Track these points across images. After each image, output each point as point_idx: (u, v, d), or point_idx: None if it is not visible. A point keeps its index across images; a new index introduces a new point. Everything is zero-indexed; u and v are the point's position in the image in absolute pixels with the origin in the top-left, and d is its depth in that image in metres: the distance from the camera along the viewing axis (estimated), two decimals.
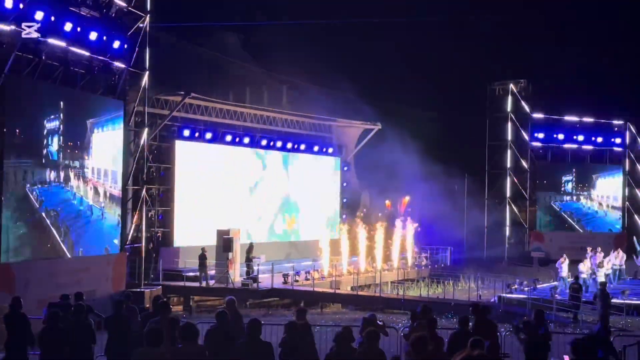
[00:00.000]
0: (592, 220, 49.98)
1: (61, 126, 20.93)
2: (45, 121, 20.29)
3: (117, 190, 25.31)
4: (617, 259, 34.97)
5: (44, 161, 20.55)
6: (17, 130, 19.16)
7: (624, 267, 35.46)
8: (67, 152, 21.90)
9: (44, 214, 20.47)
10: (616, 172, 50.51)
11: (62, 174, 21.85)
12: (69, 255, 22.69)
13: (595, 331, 12.41)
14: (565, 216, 49.53)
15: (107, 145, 24.19)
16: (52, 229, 20.78)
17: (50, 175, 20.80)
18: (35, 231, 19.98)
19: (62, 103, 21.67)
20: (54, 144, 20.89)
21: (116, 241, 25.38)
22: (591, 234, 47.04)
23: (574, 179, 49.91)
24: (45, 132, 20.30)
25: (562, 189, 49.91)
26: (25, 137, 19.32)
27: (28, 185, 19.56)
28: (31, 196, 19.66)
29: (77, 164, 22.75)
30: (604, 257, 34.06)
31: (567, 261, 32.55)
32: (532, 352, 12.47)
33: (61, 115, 21.23)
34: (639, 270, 37.53)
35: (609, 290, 26.06)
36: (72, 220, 22.37)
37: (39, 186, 20.13)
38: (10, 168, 18.95)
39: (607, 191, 50.40)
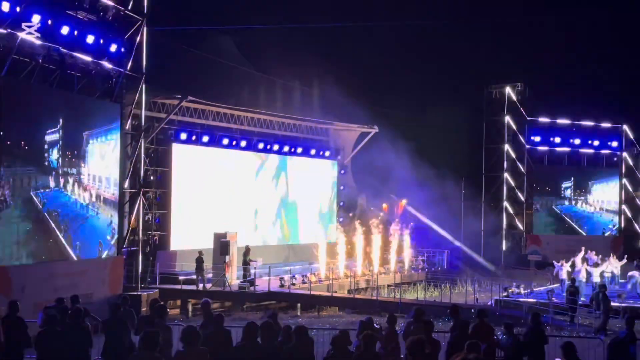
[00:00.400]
0: (588, 222, 50.25)
1: (60, 138, 22.96)
2: (45, 134, 22.39)
3: (110, 194, 26.41)
4: (616, 261, 34.88)
5: (45, 169, 22.56)
6: (22, 142, 21.47)
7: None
8: (65, 161, 23.66)
9: (46, 214, 22.47)
10: (612, 177, 50.66)
11: (61, 180, 23.62)
12: (68, 249, 23.95)
13: (621, 336, 12.35)
14: (566, 218, 49.81)
15: (101, 154, 25.71)
16: (54, 226, 22.70)
17: (51, 181, 22.78)
18: (40, 228, 22.12)
19: (61, 119, 23.54)
20: (54, 154, 22.81)
21: (108, 237, 26.22)
22: (588, 238, 47.13)
23: (572, 186, 50.17)
24: (46, 144, 22.34)
25: (562, 194, 50.20)
26: (30, 148, 21.50)
27: (32, 190, 21.75)
28: (35, 199, 21.80)
29: (74, 171, 24.43)
30: (601, 259, 34.09)
31: (567, 264, 32.61)
32: (510, 354, 12.54)
33: (60, 129, 23.09)
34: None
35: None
36: (70, 219, 24.00)
37: (42, 190, 22.24)
38: (17, 175, 21.27)
39: (603, 196, 50.63)
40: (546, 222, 49.72)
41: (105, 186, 26.35)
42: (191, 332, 9.46)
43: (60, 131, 23.19)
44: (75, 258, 24.72)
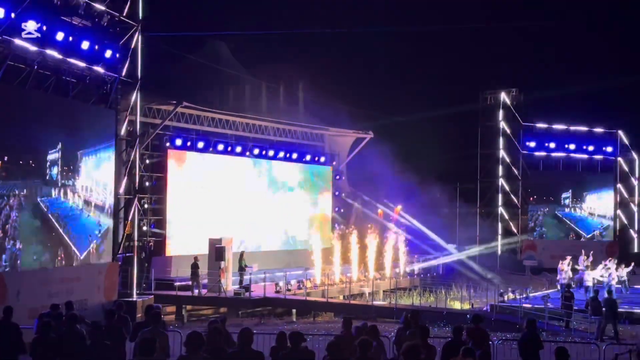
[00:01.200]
0: (584, 224, 50.75)
1: (59, 158, 25.91)
2: (48, 154, 25.36)
3: (99, 201, 28.10)
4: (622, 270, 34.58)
5: (48, 181, 25.37)
6: (30, 161, 24.67)
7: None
8: (63, 174, 26.06)
9: (50, 215, 25.17)
10: (605, 187, 50.83)
11: (61, 190, 26.05)
12: (67, 239, 25.82)
13: None
14: (567, 221, 50.21)
15: (92, 169, 27.77)
16: (56, 224, 25.36)
17: (53, 191, 25.64)
18: (46, 225, 24.95)
19: (60, 143, 25.79)
20: (55, 170, 25.71)
21: (96, 232, 27.68)
22: (584, 243, 47.22)
23: (570, 196, 50.43)
24: (48, 162, 25.30)
25: (562, 202, 50.53)
26: (35, 165, 24.72)
27: (39, 197, 24.84)
28: (41, 204, 24.90)
29: (70, 182, 26.49)
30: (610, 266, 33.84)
31: (566, 267, 32.59)
32: None
33: (59, 150, 25.71)
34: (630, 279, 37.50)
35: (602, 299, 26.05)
36: (68, 219, 26.21)
37: (46, 197, 25.26)
38: (28, 186, 24.23)
39: (597, 202, 50.90)
40: (549, 225, 49.99)
41: (95, 194, 27.93)
42: (195, 338, 9.43)
43: (59, 152, 25.84)
44: (72, 247, 25.99)
